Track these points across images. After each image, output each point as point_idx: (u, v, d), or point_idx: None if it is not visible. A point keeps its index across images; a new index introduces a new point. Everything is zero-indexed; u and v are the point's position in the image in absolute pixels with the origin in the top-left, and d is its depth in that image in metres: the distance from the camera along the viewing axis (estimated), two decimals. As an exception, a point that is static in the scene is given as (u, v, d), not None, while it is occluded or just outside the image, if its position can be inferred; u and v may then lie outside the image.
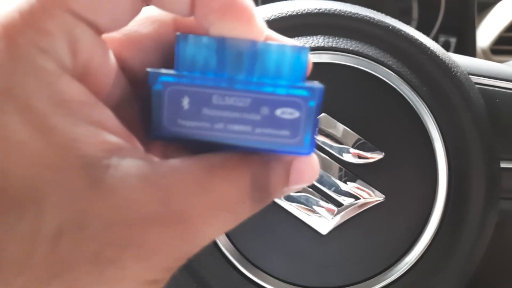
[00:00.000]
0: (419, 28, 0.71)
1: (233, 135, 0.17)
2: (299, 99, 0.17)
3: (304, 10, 0.31)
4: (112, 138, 0.16)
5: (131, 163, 0.15)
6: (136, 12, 0.17)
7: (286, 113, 0.17)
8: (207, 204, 0.16)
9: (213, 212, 0.16)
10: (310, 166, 0.19)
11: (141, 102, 0.20)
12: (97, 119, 0.16)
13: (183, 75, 0.17)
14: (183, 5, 0.17)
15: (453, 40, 0.69)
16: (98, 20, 0.16)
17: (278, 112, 0.17)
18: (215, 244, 0.28)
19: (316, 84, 0.17)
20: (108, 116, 0.16)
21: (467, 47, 0.69)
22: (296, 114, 0.17)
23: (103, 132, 0.15)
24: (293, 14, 0.31)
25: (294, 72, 0.18)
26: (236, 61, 0.17)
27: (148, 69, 0.17)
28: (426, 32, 0.70)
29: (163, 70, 0.17)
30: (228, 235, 0.28)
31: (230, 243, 0.28)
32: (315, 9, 0.31)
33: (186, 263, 0.16)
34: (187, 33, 0.18)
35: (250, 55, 0.17)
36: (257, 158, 0.18)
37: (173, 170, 0.16)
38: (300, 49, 0.17)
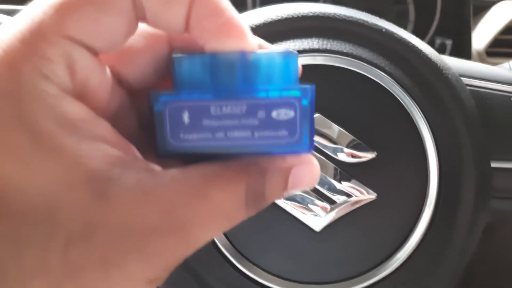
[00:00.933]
0: (415, 30, 0.72)
1: (234, 142, 0.18)
2: (293, 99, 0.18)
3: (300, 13, 0.31)
4: (114, 151, 0.17)
5: (132, 175, 0.17)
6: (132, 33, 0.19)
7: (282, 114, 0.18)
8: (205, 212, 0.17)
9: (210, 219, 0.18)
10: (310, 173, 0.20)
11: (142, 122, 0.21)
12: (99, 134, 0.17)
13: (181, 92, 0.18)
14: (178, 26, 0.18)
15: (449, 43, 0.70)
16: (95, 44, 0.17)
17: (274, 114, 0.18)
18: (212, 241, 0.28)
19: (307, 84, 0.18)
20: (108, 130, 0.18)
21: (462, 49, 0.70)
22: (291, 113, 0.18)
23: (105, 146, 0.17)
24: (288, 17, 0.32)
25: (285, 76, 0.19)
26: (228, 73, 0.19)
27: (150, 92, 0.18)
28: (423, 35, 0.71)
29: (162, 91, 0.18)
30: (225, 233, 0.29)
31: (226, 240, 0.29)
32: (310, 12, 0.32)
33: (184, 261, 0.18)
34: (182, 54, 0.19)
35: (242, 66, 0.19)
36: (254, 167, 0.19)
37: (173, 180, 0.17)
38: (288, 54, 0.18)
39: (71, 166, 0.16)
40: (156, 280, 0.18)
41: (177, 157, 0.19)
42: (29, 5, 0.17)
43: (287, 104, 0.18)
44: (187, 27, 0.18)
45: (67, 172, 0.16)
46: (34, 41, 0.16)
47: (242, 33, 0.19)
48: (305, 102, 0.18)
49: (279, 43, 0.32)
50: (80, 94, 0.17)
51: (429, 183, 0.29)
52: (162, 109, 0.18)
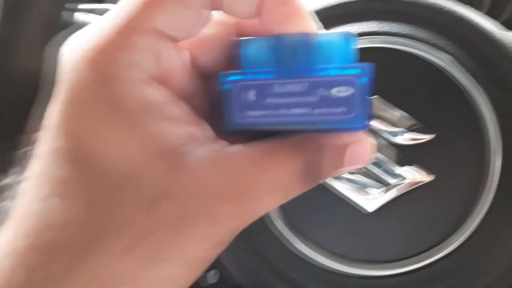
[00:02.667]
0: (490, 11, 0.67)
1: (295, 118, 0.20)
2: (352, 77, 0.19)
3: None
4: (189, 129, 0.20)
5: (204, 149, 0.19)
6: (207, 22, 0.21)
7: (341, 91, 0.19)
8: (265, 183, 0.20)
9: (269, 190, 0.20)
10: (365, 150, 0.21)
11: (212, 101, 0.24)
12: (177, 115, 0.20)
13: (248, 73, 0.21)
14: (250, 13, 0.21)
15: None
16: (176, 34, 0.20)
17: (334, 91, 0.19)
18: (268, 216, 0.30)
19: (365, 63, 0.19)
20: (185, 111, 0.21)
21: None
22: (350, 90, 0.19)
23: (182, 125, 0.20)
24: (346, 1, 0.32)
25: (344, 56, 0.20)
26: (292, 54, 0.20)
27: (219, 72, 0.21)
28: (497, 15, 0.66)
29: (230, 71, 0.21)
30: (282, 208, 0.30)
31: (282, 215, 0.30)
32: None
33: (243, 232, 0.20)
34: (249, 37, 0.21)
35: (304, 47, 0.20)
36: (312, 143, 0.21)
37: (237, 154, 0.20)
38: (347, 35, 0.20)
39: (152, 140, 0.19)
40: (220, 243, 0.20)
41: (241, 132, 0.21)
42: (122, 2, 0.20)
43: (346, 81, 0.19)
44: (258, 14, 0.21)
45: (149, 145, 0.19)
46: (127, 33, 0.19)
47: (306, 19, 0.21)
48: (364, 80, 0.19)
49: (338, 27, 0.32)
50: (164, 79, 0.20)
51: (490, 166, 0.29)
52: (230, 88, 0.21)
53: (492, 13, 0.33)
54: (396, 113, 0.30)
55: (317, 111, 0.19)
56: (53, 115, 0.20)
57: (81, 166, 0.19)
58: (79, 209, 0.19)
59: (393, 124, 0.30)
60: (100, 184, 0.19)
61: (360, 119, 0.19)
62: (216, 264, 0.29)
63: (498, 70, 0.30)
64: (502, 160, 0.29)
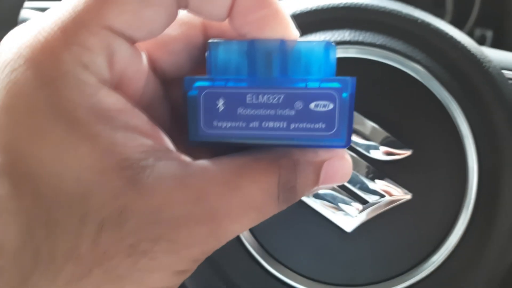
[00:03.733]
0: (453, 20, 0.69)
1: (268, 133, 0.18)
2: (332, 91, 0.17)
3: (330, 4, 0.30)
4: (148, 142, 0.17)
5: (165, 164, 0.17)
6: (171, 22, 0.18)
7: (320, 105, 0.17)
8: (235, 203, 0.17)
9: (240, 211, 0.17)
10: (342, 167, 0.19)
11: (173, 111, 0.21)
12: (134, 125, 0.17)
13: (217, 79, 0.18)
14: (220, 14, 0.18)
15: (489, 34, 0.67)
16: (134, 34, 0.17)
17: (312, 105, 0.17)
18: (238, 238, 0.28)
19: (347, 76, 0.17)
20: (143, 120, 0.18)
21: (504, 41, 0.67)
22: (330, 106, 0.17)
23: (139, 136, 0.17)
24: (319, 8, 0.31)
25: (324, 67, 0.18)
26: (266, 61, 0.18)
27: (185, 77, 0.18)
28: (461, 25, 0.68)
29: (197, 77, 0.18)
30: (251, 230, 0.28)
31: (253, 238, 0.28)
32: (341, 3, 0.30)
33: (210, 256, 0.18)
34: (218, 40, 0.19)
35: (280, 55, 0.18)
36: (287, 160, 0.19)
37: (204, 171, 0.17)
38: (328, 44, 0.18)
39: (105, 153, 0.16)
40: (184, 272, 0.18)
41: (208, 145, 0.19)
42: None
43: (326, 96, 0.17)
44: (229, 15, 0.18)
45: (101, 159, 0.16)
46: (75, 30, 0.16)
47: (286, 24, 0.19)
48: (345, 94, 0.17)
49: (310, 34, 0.31)
50: (117, 84, 0.18)
51: (467, 183, 0.28)
52: (196, 95, 0.18)
53: (454, 24, 0.33)
54: (369, 126, 0.28)
55: (293, 125, 0.18)
56: None
57: (16, 185, 0.16)
58: (12, 234, 0.15)
59: (366, 137, 0.28)
60: (39, 205, 0.16)
61: (340, 137, 0.17)
62: None
63: (474, 86, 0.29)
64: (477, 177, 0.28)
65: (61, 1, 0.17)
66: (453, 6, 0.69)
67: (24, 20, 0.36)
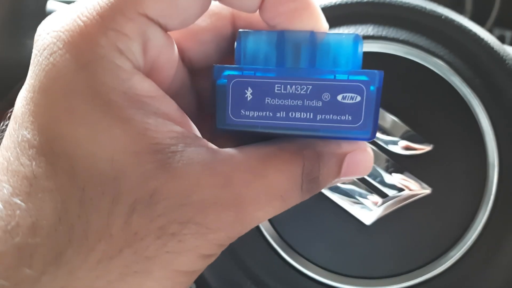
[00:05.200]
0: (472, 20, 0.68)
1: (295, 123, 0.18)
2: (360, 84, 0.17)
3: None
4: (178, 128, 0.18)
5: (194, 150, 0.17)
6: (204, 12, 0.19)
7: (348, 98, 0.18)
8: (260, 191, 0.18)
9: (265, 199, 0.18)
10: (364, 160, 0.20)
11: (200, 100, 0.21)
12: (164, 111, 0.18)
13: (246, 68, 0.18)
14: (252, 6, 0.19)
15: (508, 34, 0.66)
16: (169, 23, 0.18)
17: (340, 97, 0.18)
18: (258, 229, 0.28)
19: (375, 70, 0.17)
20: (173, 108, 0.18)
21: (523, 40, 0.66)
22: (357, 98, 0.17)
23: (169, 123, 0.17)
24: (343, 3, 0.31)
25: (352, 60, 0.18)
26: (295, 53, 0.18)
27: (214, 65, 0.18)
28: (480, 25, 0.67)
29: (227, 65, 0.18)
30: (271, 220, 0.28)
31: (272, 229, 0.28)
32: None
33: (229, 246, 0.18)
34: (248, 30, 0.19)
35: (309, 46, 0.18)
36: (310, 150, 0.19)
37: (231, 158, 0.18)
38: (357, 37, 0.18)
39: (138, 137, 0.16)
40: (209, 256, 0.18)
41: (234, 133, 0.20)
42: None
43: (354, 88, 0.18)
44: (260, 7, 0.18)
45: (133, 141, 0.16)
46: (112, 16, 0.17)
47: (317, 16, 0.19)
48: (372, 87, 0.17)
49: (334, 28, 0.31)
50: (150, 70, 0.18)
51: (487, 179, 0.28)
52: (225, 83, 0.19)
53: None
54: (390, 120, 0.28)
55: (320, 117, 0.18)
56: (22, 103, 0.17)
57: (52, 164, 0.16)
58: (48, 211, 0.16)
59: (387, 131, 0.29)
60: (73, 184, 0.16)
61: (365, 129, 0.18)
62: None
63: (496, 83, 0.29)
64: (498, 173, 0.28)
65: None
66: (472, 6, 0.69)
67: (51, 12, 0.36)
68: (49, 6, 0.37)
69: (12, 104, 0.18)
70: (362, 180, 0.28)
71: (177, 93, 0.20)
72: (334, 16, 0.30)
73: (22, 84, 0.18)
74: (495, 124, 0.28)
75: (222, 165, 0.17)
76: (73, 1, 0.40)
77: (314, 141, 0.19)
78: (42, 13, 0.36)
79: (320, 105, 0.18)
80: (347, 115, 0.18)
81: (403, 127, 0.28)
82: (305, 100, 0.18)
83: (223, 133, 0.19)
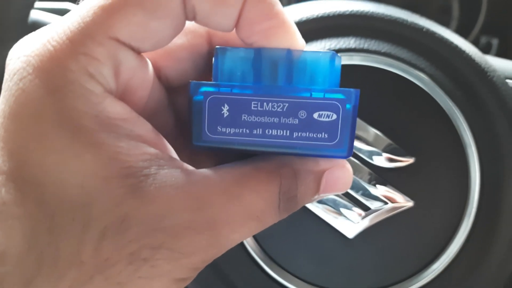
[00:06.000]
0: (459, 27, 0.69)
1: (271, 140, 0.18)
2: (336, 102, 0.18)
3: (336, 12, 0.31)
4: (151, 150, 0.17)
5: (168, 173, 0.17)
6: (178, 33, 0.19)
7: (324, 115, 0.18)
8: (236, 213, 0.17)
9: (240, 220, 0.18)
10: (343, 176, 0.20)
11: (177, 118, 0.21)
12: (138, 133, 0.17)
13: (223, 85, 0.18)
14: (227, 25, 0.18)
15: (495, 42, 0.67)
16: (141, 46, 0.18)
17: (316, 115, 0.18)
18: (240, 243, 0.28)
19: (351, 88, 0.18)
20: (147, 129, 0.18)
21: (510, 49, 0.67)
22: (333, 116, 0.18)
23: (142, 145, 0.17)
24: (324, 15, 0.31)
25: (329, 78, 0.18)
26: (272, 70, 0.19)
27: (191, 81, 0.18)
28: (466, 33, 0.68)
29: (203, 82, 0.18)
30: (254, 235, 0.28)
31: (255, 243, 0.28)
32: (347, 10, 0.31)
33: (212, 262, 0.18)
34: (225, 46, 0.19)
35: (286, 64, 0.18)
36: (288, 168, 0.19)
37: (206, 179, 0.17)
38: (333, 55, 0.18)
39: (108, 161, 0.16)
40: (184, 280, 0.18)
41: (210, 150, 0.19)
42: (79, 5, 0.17)
43: (330, 106, 0.18)
44: (236, 26, 0.18)
45: (104, 166, 0.16)
46: (82, 40, 0.16)
47: (292, 34, 0.19)
48: (348, 106, 0.17)
49: (315, 41, 0.31)
50: (123, 93, 0.18)
51: (469, 191, 0.28)
52: (201, 100, 0.18)
53: (460, 31, 0.33)
54: (372, 133, 0.29)
55: (296, 134, 0.18)
56: None
57: (21, 190, 0.16)
58: (17, 239, 0.16)
59: (369, 144, 0.29)
60: (43, 211, 0.16)
61: (342, 147, 0.18)
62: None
63: (477, 95, 0.29)
64: (480, 185, 0.28)
65: (71, 12, 0.17)
66: (459, 13, 0.69)
67: (34, 21, 0.36)
68: (33, 15, 0.37)
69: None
70: (345, 193, 0.28)
71: (153, 113, 0.20)
72: (316, 28, 0.30)
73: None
74: (476, 137, 0.28)
75: (196, 187, 0.17)
76: (58, 9, 0.39)
77: (292, 159, 0.19)
78: (25, 23, 0.35)
79: (297, 122, 0.18)
80: (323, 133, 0.18)
81: (385, 140, 0.28)
82: (282, 118, 0.18)
83: (200, 149, 0.19)
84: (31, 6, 0.36)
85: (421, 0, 0.70)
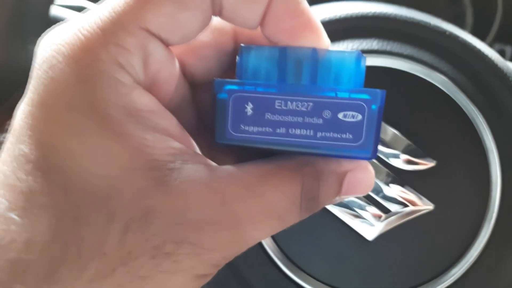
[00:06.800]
0: (473, 34, 0.69)
1: (294, 140, 0.18)
2: (362, 102, 0.17)
3: (359, 13, 0.30)
4: (176, 144, 0.17)
5: (192, 168, 0.17)
6: (205, 27, 0.19)
7: (349, 116, 0.17)
8: (258, 210, 0.17)
9: (263, 218, 0.18)
10: (365, 179, 0.19)
11: (200, 115, 0.21)
12: (164, 127, 0.17)
13: (247, 83, 0.18)
14: (253, 22, 0.18)
15: (509, 49, 0.67)
16: (170, 38, 0.18)
17: (341, 115, 0.17)
18: (259, 243, 0.28)
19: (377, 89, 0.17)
20: (173, 123, 0.18)
21: (523, 56, 0.67)
22: (359, 117, 0.17)
23: (168, 139, 0.17)
24: (347, 16, 0.31)
25: (354, 78, 0.18)
26: (296, 69, 0.18)
27: (215, 79, 0.18)
28: (480, 40, 0.68)
29: (227, 80, 0.18)
30: (272, 235, 0.28)
31: (273, 243, 0.28)
32: (370, 12, 0.31)
33: (230, 261, 0.18)
34: (250, 44, 0.19)
35: (310, 63, 0.18)
36: (310, 168, 0.19)
37: (229, 176, 0.17)
38: (359, 55, 0.18)
39: (134, 153, 0.16)
40: (204, 277, 0.18)
41: (233, 148, 0.19)
42: None
43: (355, 107, 0.17)
44: (261, 23, 0.18)
45: (130, 158, 0.16)
46: (113, 30, 0.16)
47: (318, 33, 0.19)
48: (374, 106, 0.17)
49: (338, 42, 0.31)
50: (150, 85, 0.18)
51: (490, 196, 0.28)
52: (226, 98, 0.18)
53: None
54: (391, 134, 0.28)
55: (320, 134, 0.18)
56: (20, 117, 0.17)
57: (48, 179, 0.16)
58: (42, 227, 0.16)
59: (390, 145, 0.28)
60: (68, 201, 0.16)
61: (366, 149, 0.17)
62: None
63: (499, 99, 0.29)
64: (500, 190, 0.28)
65: (101, 2, 0.17)
66: (473, 20, 0.69)
67: (54, 17, 0.36)
68: (54, 11, 0.37)
69: (11, 111, 0.18)
70: (366, 195, 0.28)
71: (177, 108, 0.20)
72: (339, 29, 0.30)
73: (22, 91, 0.18)
74: (498, 141, 0.28)
75: (220, 183, 0.17)
76: (77, 6, 0.40)
77: (314, 159, 0.19)
78: (45, 19, 0.35)
79: (321, 122, 0.18)
80: (347, 134, 0.17)
81: (405, 141, 0.28)
82: (306, 117, 0.18)
83: (222, 147, 0.19)
84: (51, 2, 0.36)
85: (434, 6, 0.70)
